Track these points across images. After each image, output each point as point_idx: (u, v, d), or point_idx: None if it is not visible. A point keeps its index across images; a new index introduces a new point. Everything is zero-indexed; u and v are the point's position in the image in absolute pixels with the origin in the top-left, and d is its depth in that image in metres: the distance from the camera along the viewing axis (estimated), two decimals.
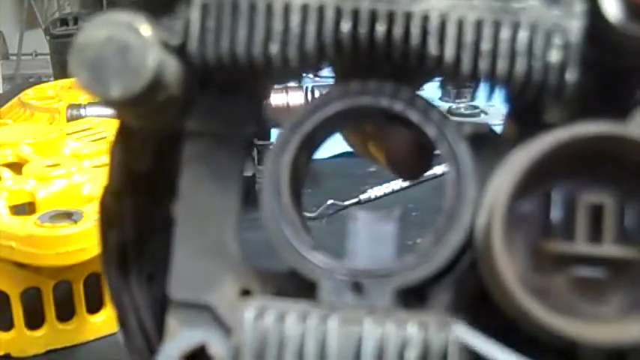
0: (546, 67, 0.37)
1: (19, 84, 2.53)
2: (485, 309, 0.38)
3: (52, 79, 1.89)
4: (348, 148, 1.44)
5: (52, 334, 0.86)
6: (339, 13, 0.38)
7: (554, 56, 0.37)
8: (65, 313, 0.87)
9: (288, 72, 0.40)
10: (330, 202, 1.18)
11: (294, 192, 0.41)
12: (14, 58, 3.58)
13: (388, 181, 1.26)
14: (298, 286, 0.41)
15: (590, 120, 0.37)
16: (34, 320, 0.86)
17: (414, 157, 0.41)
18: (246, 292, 0.42)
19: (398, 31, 0.38)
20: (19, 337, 0.85)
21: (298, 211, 0.41)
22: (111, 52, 0.37)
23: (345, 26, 0.38)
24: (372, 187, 1.25)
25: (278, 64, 0.38)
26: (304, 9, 0.38)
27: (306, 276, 0.40)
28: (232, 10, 0.38)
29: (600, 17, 0.36)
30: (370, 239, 0.41)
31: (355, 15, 0.38)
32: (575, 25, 0.37)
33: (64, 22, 1.88)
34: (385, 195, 1.24)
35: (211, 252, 0.42)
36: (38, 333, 0.86)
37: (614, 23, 0.35)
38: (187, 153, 0.42)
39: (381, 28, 0.38)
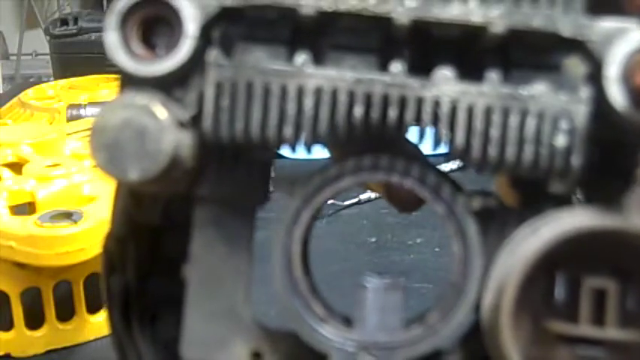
0: (553, 153, 0.38)
1: (19, 84, 2.53)
2: None
3: (52, 79, 1.89)
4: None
5: (52, 334, 0.86)
6: (352, 97, 0.38)
7: (561, 141, 0.38)
8: (65, 313, 0.87)
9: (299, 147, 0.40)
10: (330, 202, 1.18)
11: (303, 259, 0.42)
12: (14, 58, 3.58)
13: None
14: (308, 350, 0.42)
15: (592, 192, 0.39)
16: (34, 320, 0.86)
17: (413, 193, 0.41)
18: (256, 355, 0.43)
19: (409, 115, 0.38)
20: (19, 337, 0.85)
21: (309, 282, 0.42)
22: (128, 136, 0.38)
23: (358, 110, 0.38)
24: None
25: (291, 144, 0.39)
26: (318, 92, 0.38)
27: (316, 347, 0.41)
28: (247, 91, 0.39)
29: (605, 103, 0.36)
30: (378, 308, 0.42)
31: (368, 99, 0.38)
32: (581, 111, 0.37)
33: (64, 22, 1.88)
34: None
35: (222, 315, 0.43)
36: (38, 333, 0.86)
37: (619, 110, 0.36)
38: (199, 218, 0.43)
39: (393, 113, 0.38)
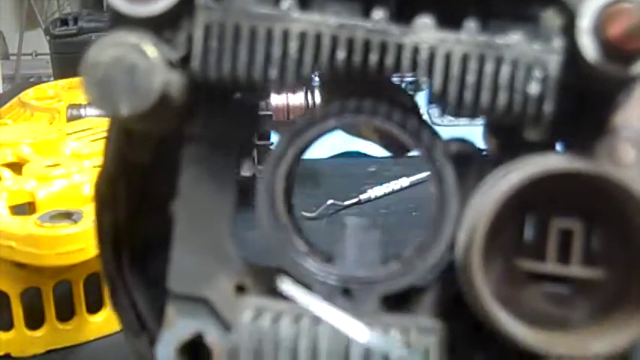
0: (526, 99, 0.39)
1: (19, 84, 2.53)
2: (461, 309, 0.41)
3: (52, 79, 1.89)
4: (347, 148, 1.44)
5: (52, 334, 0.86)
6: (335, 42, 0.40)
7: (534, 88, 0.39)
8: (65, 313, 0.87)
9: (284, 88, 0.43)
10: (330, 202, 1.18)
11: (287, 198, 0.44)
12: (14, 58, 3.58)
13: (388, 181, 1.26)
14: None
15: (566, 138, 0.41)
16: (34, 320, 0.86)
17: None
18: (240, 288, 0.44)
19: (389, 61, 0.40)
20: (19, 337, 0.85)
21: (292, 217, 0.44)
22: (120, 73, 0.39)
23: (341, 54, 0.40)
24: (372, 187, 1.25)
25: (276, 85, 0.41)
26: (302, 36, 0.40)
27: (300, 280, 0.43)
28: (234, 34, 0.40)
29: (577, 54, 0.38)
30: (357, 245, 0.44)
31: (350, 44, 0.40)
32: (554, 60, 0.39)
33: (64, 22, 1.88)
34: (385, 195, 1.24)
35: (208, 249, 0.44)
36: (38, 333, 0.86)
37: (590, 61, 0.38)
38: (187, 156, 0.44)
39: (373, 58, 0.40)
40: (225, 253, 0.44)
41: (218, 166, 0.44)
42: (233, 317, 0.43)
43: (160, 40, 0.40)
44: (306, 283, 0.43)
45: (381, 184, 1.25)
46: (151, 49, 0.39)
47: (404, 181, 1.26)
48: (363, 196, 1.22)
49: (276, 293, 0.43)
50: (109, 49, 0.39)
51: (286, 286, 0.41)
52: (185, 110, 0.42)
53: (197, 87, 0.41)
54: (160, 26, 0.40)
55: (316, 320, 0.41)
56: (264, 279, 0.45)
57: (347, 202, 1.21)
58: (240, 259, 0.45)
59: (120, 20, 0.40)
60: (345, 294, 0.43)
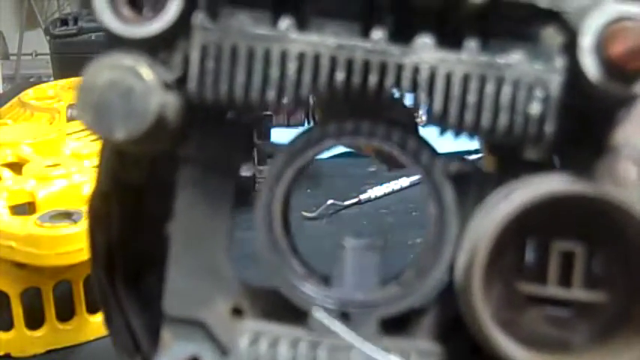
0: (527, 119, 0.39)
1: (19, 84, 2.53)
2: (460, 331, 0.40)
3: (52, 79, 1.89)
4: (347, 149, 1.43)
5: (52, 334, 0.86)
6: (334, 63, 0.39)
7: (535, 109, 0.38)
8: (65, 313, 0.87)
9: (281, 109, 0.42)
10: (330, 202, 1.18)
11: (284, 219, 0.43)
12: (14, 58, 3.58)
13: (388, 181, 1.26)
14: (288, 307, 0.42)
15: (564, 156, 0.40)
16: (34, 320, 0.86)
17: None
18: (236, 311, 0.44)
19: (389, 81, 0.39)
20: (19, 337, 0.85)
21: (289, 239, 0.43)
22: (115, 96, 0.38)
23: (340, 75, 0.39)
24: (372, 187, 1.25)
25: (273, 107, 0.40)
26: (301, 57, 0.39)
27: (297, 304, 0.42)
28: (231, 55, 0.39)
29: (579, 73, 0.37)
30: (356, 267, 0.43)
31: (349, 65, 0.39)
32: (555, 80, 0.38)
33: (64, 22, 1.88)
34: (385, 195, 1.24)
35: (204, 271, 0.44)
36: (38, 333, 0.86)
37: (592, 80, 0.37)
38: (182, 177, 0.44)
39: (373, 78, 0.39)
40: (221, 275, 0.44)
41: (214, 187, 0.43)
42: (229, 341, 0.43)
43: (156, 61, 0.40)
44: (303, 307, 0.42)
45: (381, 184, 1.25)
46: (146, 72, 0.38)
47: (404, 181, 1.26)
48: (363, 196, 1.22)
49: (272, 316, 0.43)
50: (104, 72, 0.39)
51: (321, 315, 0.40)
52: (180, 132, 0.42)
53: (192, 108, 0.41)
54: (155, 47, 0.40)
55: (314, 345, 0.41)
56: (260, 301, 0.44)
57: (347, 202, 1.21)
58: (236, 281, 0.44)
59: (115, 42, 0.39)
60: (343, 318, 0.42)
